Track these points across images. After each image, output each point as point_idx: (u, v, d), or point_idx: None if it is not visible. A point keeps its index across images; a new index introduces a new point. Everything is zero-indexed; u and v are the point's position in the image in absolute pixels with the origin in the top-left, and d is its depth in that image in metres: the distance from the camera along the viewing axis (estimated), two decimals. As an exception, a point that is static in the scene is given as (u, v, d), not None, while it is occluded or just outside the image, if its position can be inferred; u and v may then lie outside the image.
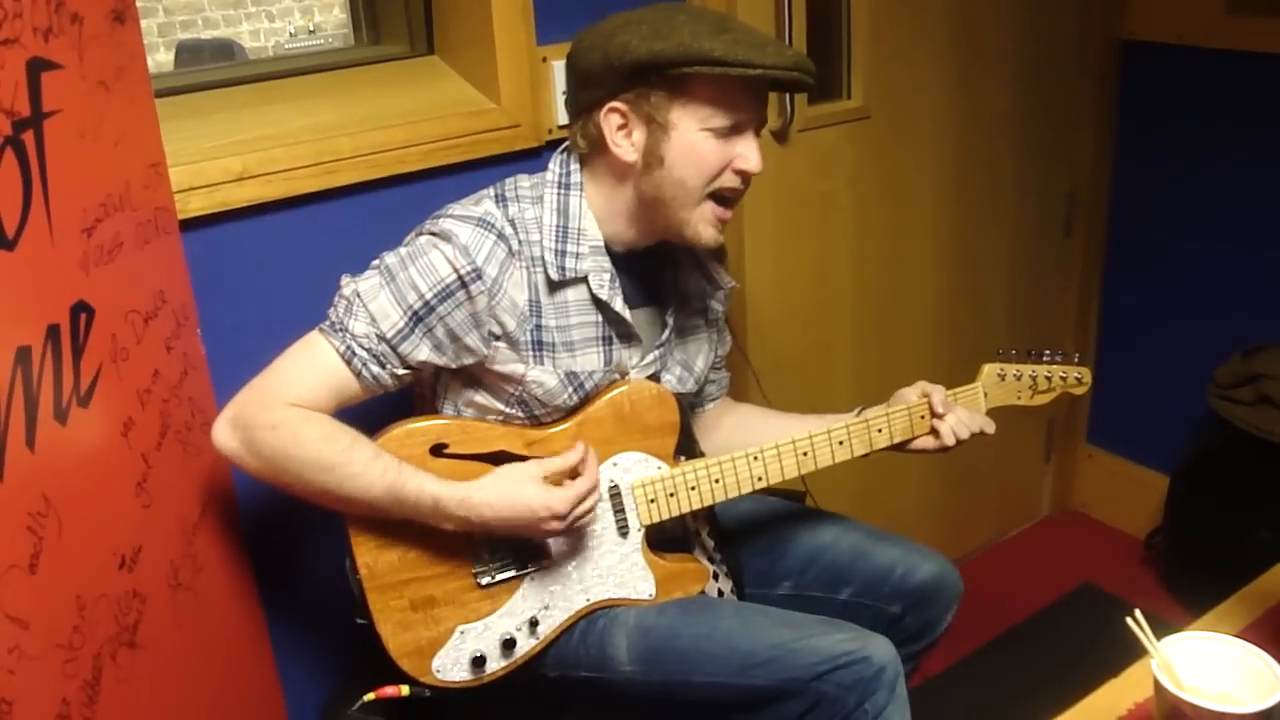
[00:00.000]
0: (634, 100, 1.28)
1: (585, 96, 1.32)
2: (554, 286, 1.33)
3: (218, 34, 6.19)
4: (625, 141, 1.31)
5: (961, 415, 1.46)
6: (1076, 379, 1.55)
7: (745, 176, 1.33)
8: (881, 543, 1.50)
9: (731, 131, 1.30)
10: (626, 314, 1.36)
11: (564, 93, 1.67)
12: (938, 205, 2.31)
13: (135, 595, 1.09)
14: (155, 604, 1.14)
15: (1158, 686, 1.02)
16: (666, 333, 1.43)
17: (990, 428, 1.47)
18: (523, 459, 1.34)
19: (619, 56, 1.26)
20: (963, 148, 2.30)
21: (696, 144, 1.29)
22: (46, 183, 0.94)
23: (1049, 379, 1.53)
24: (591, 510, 1.33)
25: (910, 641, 1.45)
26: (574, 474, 1.32)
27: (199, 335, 1.38)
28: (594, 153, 1.35)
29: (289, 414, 1.25)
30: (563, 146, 1.39)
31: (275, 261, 1.53)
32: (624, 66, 1.26)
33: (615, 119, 1.30)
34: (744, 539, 1.56)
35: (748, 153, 1.31)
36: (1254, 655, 1.04)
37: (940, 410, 1.44)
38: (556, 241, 1.32)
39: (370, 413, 1.33)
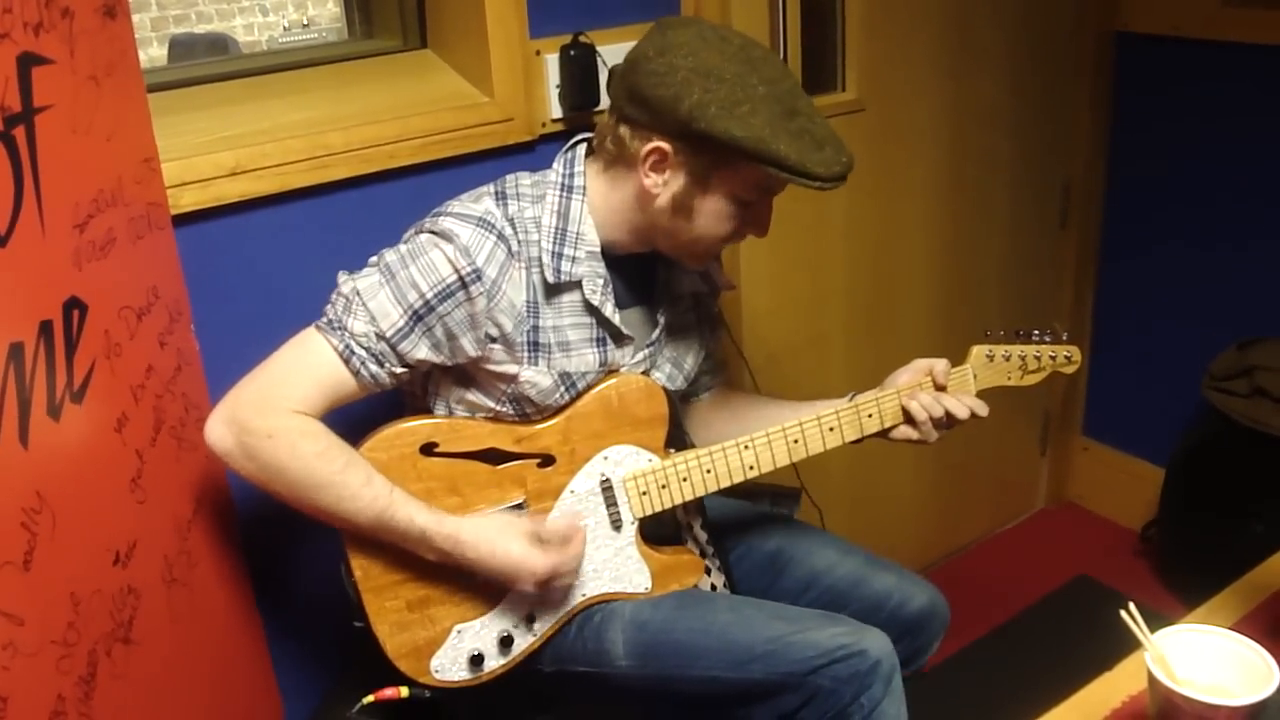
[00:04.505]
0: (683, 151, 1.27)
1: (631, 111, 1.29)
2: (550, 288, 1.32)
3: (211, 28, 6.16)
4: (656, 176, 1.30)
5: (936, 396, 1.42)
6: (1066, 358, 1.52)
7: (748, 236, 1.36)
8: (878, 570, 1.50)
9: (755, 203, 1.32)
10: (617, 319, 1.36)
11: (557, 86, 1.67)
12: (932, 198, 2.31)
13: (130, 591, 1.08)
14: (150, 600, 1.13)
15: (1152, 679, 1.02)
16: (657, 331, 1.43)
17: (982, 409, 1.44)
18: (512, 456, 1.34)
19: (691, 117, 1.23)
20: (957, 140, 2.30)
21: (722, 209, 1.30)
22: (38, 178, 0.94)
23: (1038, 358, 1.51)
24: (568, 582, 1.34)
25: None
26: (564, 539, 1.32)
27: (192, 330, 1.38)
28: (619, 163, 1.33)
29: (287, 424, 1.24)
30: (569, 144, 1.38)
31: (268, 256, 1.52)
32: (693, 130, 1.24)
33: (654, 156, 1.29)
34: (742, 558, 1.56)
35: (762, 220, 1.34)
36: (1248, 648, 1.04)
37: (942, 382, 1.44)
38: (554, 244, 1.32)
39: (362, 409, 1.33)
